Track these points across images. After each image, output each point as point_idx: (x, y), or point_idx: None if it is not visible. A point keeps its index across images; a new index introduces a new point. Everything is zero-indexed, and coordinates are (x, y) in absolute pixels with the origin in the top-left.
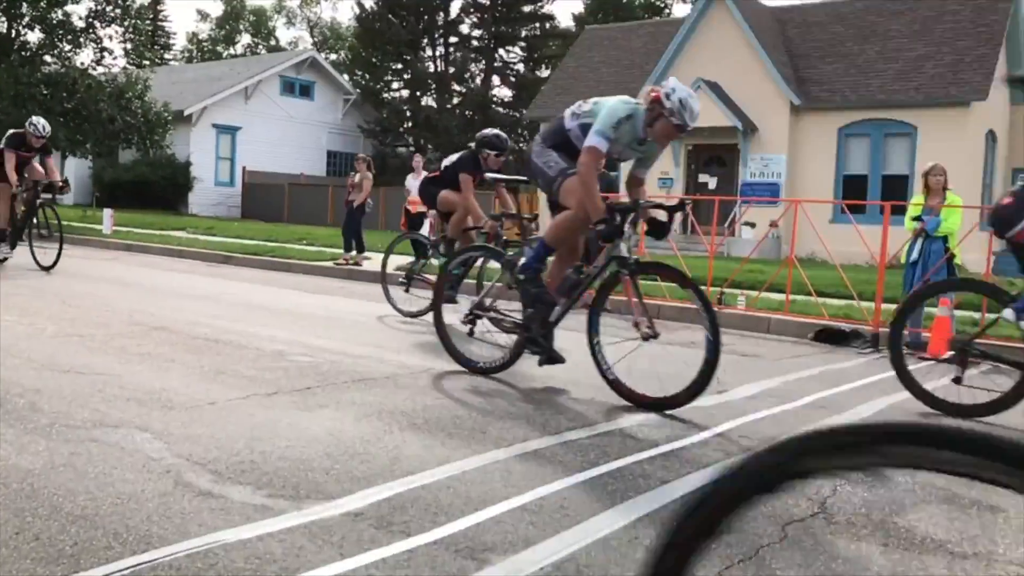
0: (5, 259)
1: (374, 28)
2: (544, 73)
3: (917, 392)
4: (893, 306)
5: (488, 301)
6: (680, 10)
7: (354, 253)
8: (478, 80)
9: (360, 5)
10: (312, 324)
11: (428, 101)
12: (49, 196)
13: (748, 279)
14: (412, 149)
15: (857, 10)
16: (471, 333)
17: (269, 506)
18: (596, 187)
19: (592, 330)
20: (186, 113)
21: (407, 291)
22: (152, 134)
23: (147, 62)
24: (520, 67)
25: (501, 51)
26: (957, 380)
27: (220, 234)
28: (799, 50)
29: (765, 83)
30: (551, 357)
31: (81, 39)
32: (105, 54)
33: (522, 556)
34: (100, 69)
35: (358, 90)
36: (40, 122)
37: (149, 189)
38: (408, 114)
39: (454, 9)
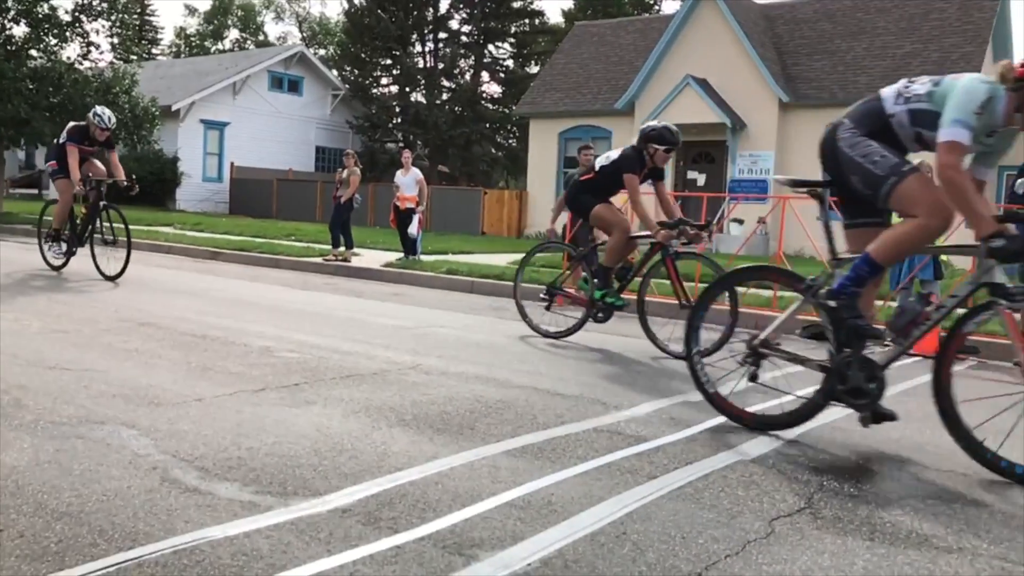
0: (63, 265)
1: (363, 23)
2: (533, 69)
3: None
4: (879, 303)
5: (772, 336)
6: (669, 6)
7: (342, 249)
8: (467, 76)
9: (349, 0)
10: (300, 320)
11: (417, 97)
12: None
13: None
14: (401, 145)
15: (845, 7)
16: (754, 378)
17: (256, 502)
18: (972, 190)
19: (941, 389)
20: (174, 108)
21: (548, 308)
22: (139, 129)
23: (134, 57)
24: (509, 63)
25: (490, 47)
26: None
27: (208, 230)
28: (788, 47)
29: (754, 80)
30: (879, 413)
31: (67, 33)
32: (92, 48)
33: (510, 552)
34: (87, 64)
35: (347, 85)
36: (105, 113)
37: (136, 184)
38: (397, 110)
39: (443, 5)
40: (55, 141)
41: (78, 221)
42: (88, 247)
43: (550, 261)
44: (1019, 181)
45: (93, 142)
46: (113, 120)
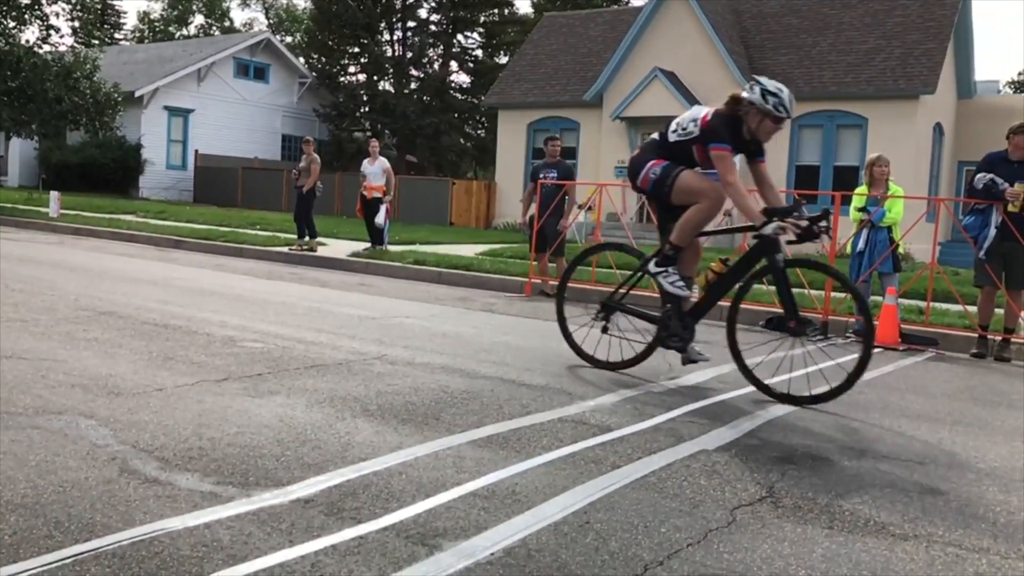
0: (629, 363)
1: (331, 11)
2: (502, 59)
3: None
4: (842, 295)
5: None
6: None
7: (307, 239)
8: (436, 65)
9: None
10: (264, 310)
11: (385, 86)
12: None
13: (701, 267)
14: (369, 134)
15: (811, 2)
16: None
17: (217, 493)
18: None
19: None
20: (137, 94)
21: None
22: (101, 115)
23: (96, 41)
24: (478, 53)
25: (459, 36)
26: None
27: (171, 218)
28: (754, 41)
29: (721, 73)
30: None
31: (26, 15)
32: (51, 32)
33: (473, 541)
34: (46, 47)
35: (314, 73)
36: (783, 91)
37: (98, 172)
38: (365, 98)
39: None
40: (656, 135)
41: (698, 287)
42: (730, 339)
43: (518, 252)
44: (977, 176)
45: (742, 144)
46: (795, 103)
